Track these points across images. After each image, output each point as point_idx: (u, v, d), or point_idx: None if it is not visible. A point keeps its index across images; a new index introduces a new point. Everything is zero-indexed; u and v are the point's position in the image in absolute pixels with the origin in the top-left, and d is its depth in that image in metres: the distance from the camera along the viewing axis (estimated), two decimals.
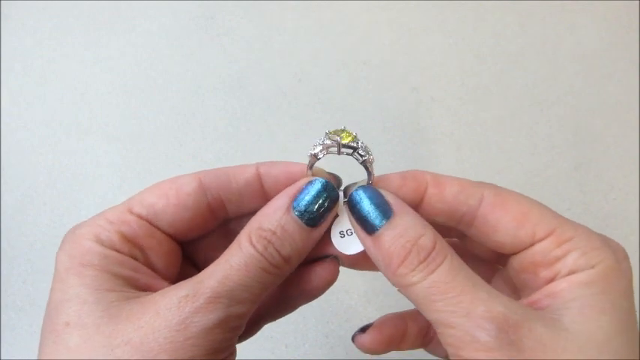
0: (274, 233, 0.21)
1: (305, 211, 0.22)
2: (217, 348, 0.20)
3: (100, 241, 0.21)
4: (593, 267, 0.21)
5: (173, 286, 0.21)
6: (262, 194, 0.24)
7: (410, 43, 0.57)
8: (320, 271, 0.25)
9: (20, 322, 0.47)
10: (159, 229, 0.23)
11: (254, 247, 0.21)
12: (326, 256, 0.25)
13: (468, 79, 0.56)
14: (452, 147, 0.52)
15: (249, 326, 0.25)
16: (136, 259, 0.22)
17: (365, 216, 0.22)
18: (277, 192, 0.23)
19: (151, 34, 0.58)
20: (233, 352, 0.22)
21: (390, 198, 0.22)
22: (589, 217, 0.49)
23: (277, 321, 0.45)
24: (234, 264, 0.20)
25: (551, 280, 0.22)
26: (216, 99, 0.54)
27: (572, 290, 0.21)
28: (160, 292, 0.21)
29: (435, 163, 0.51)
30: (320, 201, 0.22)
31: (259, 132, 0.53)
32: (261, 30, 0.58)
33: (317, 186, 0.22)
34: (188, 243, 0.25)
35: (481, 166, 0.51)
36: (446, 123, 0.53)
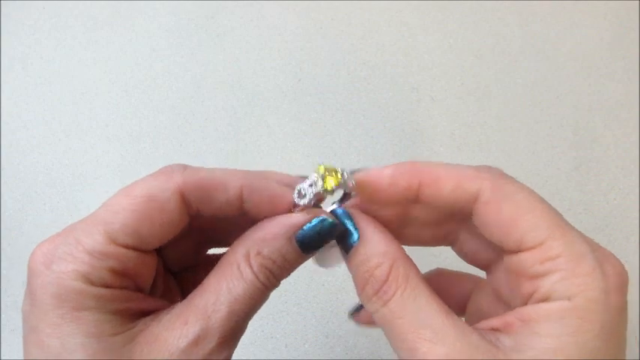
0: (274, 262, 0.21)
1: (308, 244, 0.21)
2: None
3: (91, 282, 0.20)
4: (569, 298, 0.19)
5: (174, 317, 0.20)
6: (240, 212, 0.23)
7: (410, 43, 0.57)
8: None
9: (20, 322, 0.47)
10: (144, 251, 0.22)
11: (256, 276, 0.21)
12: None
13: (467, 79, 0.56)
14: (452, 147, 0.52)
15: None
16: (126, 288, 0.21)
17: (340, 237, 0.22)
18: (257, 216, 0.22)
19: (150, 34, 0.58)
20: None
21: (360, 220, 0.22)
22: (589, 217, 0.49)
23: (277, 321, 0.45)
24: (239, 296, 0.20)
25: (530, 297, 0.20)
26: (216, 99, 0.54)
27: (540, 324, 0.19)
28: (162, 326, 0.20)
29: None
30: (324, 238, 0.22)
31: (259, 132, 0.53)
32: (261, 30, 0.58)
33: (324, 222, 0.22)
34: (163, 249, 0.24)
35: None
36: (446, 123, 0.53)
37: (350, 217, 0.22)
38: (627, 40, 0.57)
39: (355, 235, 0.22)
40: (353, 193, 0.23)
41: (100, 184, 0.50)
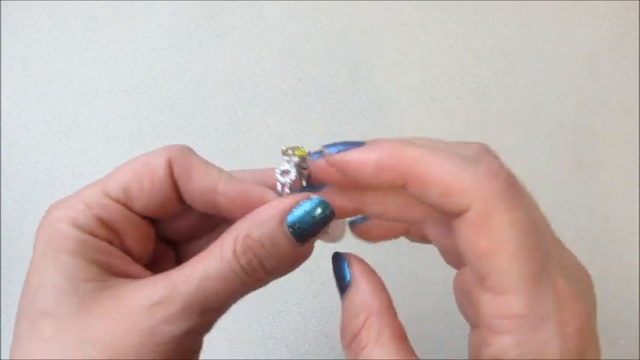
0: (263, 246, 0.20)
1: (298, 227, 0.21)
2: (184, 352, 0.20)
3: (77, 225, 0.21)
4: None
5: (147, 282, 0.20)
6: (213, 205, 0.23)
7: (410, 43, 0.57)
8: None
9: None
10: (134, 212, 0.23)
11: (237, 259, 0.20)
12: None
13: (467, 79, 0.56)
14: None
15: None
16: (112, 243, 0.22)
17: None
18: (231, 211, 0.22)
19: (150, 34, 0.58)
20: (199, 351, 0.22)
21: (352, 264, 0.22)
22: (589, 217, 0.49)
23: (277, 321, 0.45)
24: (211, 274, 0.20)
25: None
26: (216, 99, 0.54)
27: None
28: (133, 286, 0.20)
29: None
30: (316, 219, 0.21)
31: (259, 132, 0.53)
32: (261, 30, 0.58)
33: (314, 203, 0.21)
34: (162, 222, 0.25)
35: None
36: (446, 123, 0.53)
37: (344, 259, 0.22)
38: (627, 40, 0.57)
39: (348, 277, 0.22)
40: (328, 185, 0.23)
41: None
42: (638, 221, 0.49)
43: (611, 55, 0.56)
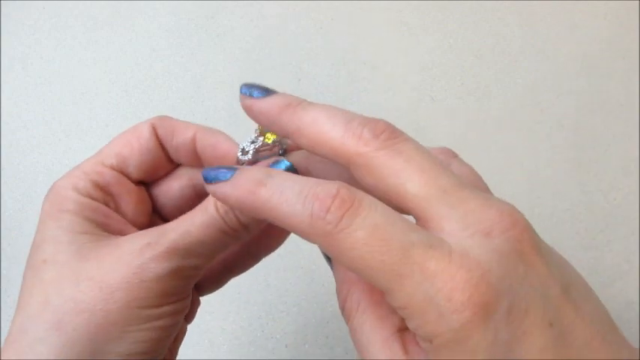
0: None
1: None
2: (169, 292, 0.22)
3: (77, 190, 0.24)
4: (431, 341, 0.17)
5: (139, 233, 0.23)
6: (195, 155, 0.26)
7: (410, 43, 0.57)
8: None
9: None
10: (129, 177, 0.26)
11: (217, 210, 0.22)
12: None
13: (467, 79, 0.56)
14: (452, 147, 0.52)
15: (215, 279, 0.28)
16: (108, 206, 0.25)
17: None
18: (208, 158, 0.26)
19: (150, 34, 0.58)
20: (186, 297, 0.24)
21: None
22: (589, 217, 0.49)
23: (277, 321, 0.45)
24: (196, 222, 0.22)
25: None
26: (216, 99, 0.54)
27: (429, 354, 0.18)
28: (127, 236, 0.23)
29: None
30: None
31: None
32: (261, 30, 0.58)
33: (281, 167, 0.23)
34: (158, 196, 0.27)
35: (481, 166, 0.51)
36: (446, 123, 0.53)
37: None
38: (627, 40, 0.57)
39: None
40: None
41: None
42: (638, 221, 0.49)
43: (611, 55, 0.56)
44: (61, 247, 0.22)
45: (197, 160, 0.26)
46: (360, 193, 0.18)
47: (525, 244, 0.18)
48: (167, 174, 0.28)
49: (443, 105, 0.54)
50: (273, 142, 0.24)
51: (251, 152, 0.24)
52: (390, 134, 0.20)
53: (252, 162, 0.25)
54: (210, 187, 0.20)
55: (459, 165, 0.25)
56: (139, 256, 0.22)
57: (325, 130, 0.20)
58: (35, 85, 0.55)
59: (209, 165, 0.26)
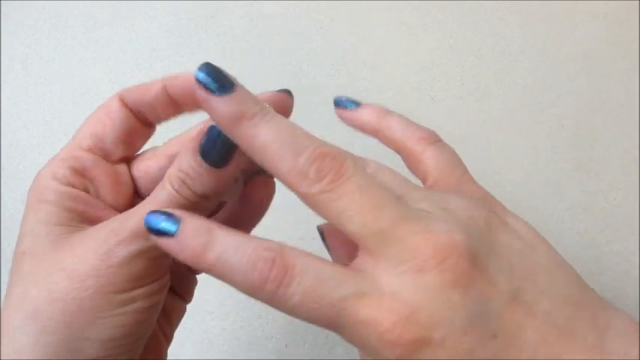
0: (187, 174, 0.23)
1: (206, 154, 0.23)
2: (139, 275, 0.23)
3: (56, 178, 0.24)
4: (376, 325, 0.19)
5: (107, 221, 0.24)
6: (172, 103, 0.26)
7: (410, 43, 0.57)
8: (258, 188, 0.28)
9: None
10: (109, 155, 0.26)
11: (172, 186, 0.23)
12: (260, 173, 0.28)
13: (468, 79, 0.56)
14: (452, 147, 0.52)
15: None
16: (88, 191, 0.25)
17: None
18: (184, 101, 0.26)
19: (150, 34, 0.58)
20: (160, 278, 0.24)
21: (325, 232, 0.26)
22: (589, 217, 0.49)
23: (277, 321, 0.45)
24: (157, 201, 0.23)
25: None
26: None
27: None
28: (96, 225, 0.24)
29: None
30: (217, 145, 0.23)
31: None
32: (261, 30, 0.58)
33: (213, 132, 0.23)
34: (139, 178, 0.27)
35: (481, 166, 0.51)
36: (446, 123, 0.53)
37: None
38: (627, 40, 0.57)
39: None
40: None
41: None
42: (638, 221, 0.49)
43: (611, 55, 0.56)
44: (38, 239, 0.23)
45: (173, 108, 0.27)
46: (294, 257, 0.20)
47: (460, 270, 0.19)
48: (146, 141, 0.28)
49: (443, 105, 0.54)
50: None
51: None
52: (334, 175, 0.20)
53: None
54: (157, 241, 0.21)
55: (435, 152, 0.27)
56: (104, 243, 0.22)
57: (273, 162, 0.21)
58: (35, 85, 0.55)
59: (188, 106, 0.27)
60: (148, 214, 0.21)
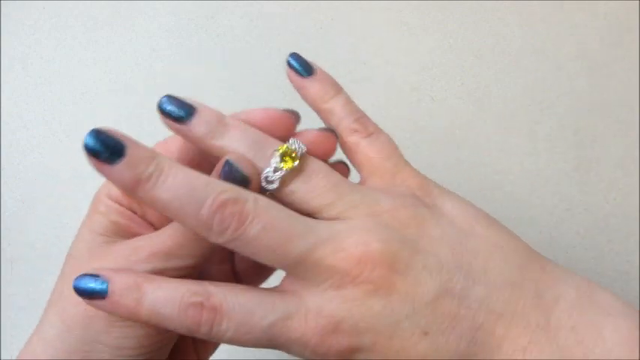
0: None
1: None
2: None
3: (109, 195, 0.26)
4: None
5: (136, 238, 0.25)
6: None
7: (410, 43, 0.57)
8: None
9: (20, 322, 0.47)
10: None
11: None
12: None
13: (467, 79, 0.56)
14: (452, 147, 0.52)
15: (257, 275, 0.30)
16: (134, 212, 0.27)
17: None
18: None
19: (150, 34, 0.58)
20: None
21: None
22: (589, 217, 0.49)
23: None
24: (176, 225, 0.24)
25: None
26: (216, 99, 0.54)
27: None
28: (129, 240, 0.25)
29: (435, 163, 0.51)
30: (236, 178, 0.24)
31: None
32: (261, 30, 0.58)
33: (225, 169, 0.24)
34: None
35: (481, 166, 0.51)
36: (446, 123, 0.53)
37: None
38: (627, 40, 0.57)
39: None
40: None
41: (100, 184, 0.50)
42: (638, 221, 0.49)
43: (611, 55, 0.56)
44: (81, 245, 0.25)
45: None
46: (220, 297, 0.21)
47: (378, 279, 0.21)
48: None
49: (443, 105, 0.54)
50: (294, 166, 0.24)
51: (277, 182, 0.24)
52: (237, 223, 0.21)
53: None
54: (89, 304, 0.23)
55: (368, 144, 0.29)
56: (126, 258, 0.24)
57: (179, 219, 0.22)
58: (35, 85, 0.55)
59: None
60: (76, 278, 0.22)
